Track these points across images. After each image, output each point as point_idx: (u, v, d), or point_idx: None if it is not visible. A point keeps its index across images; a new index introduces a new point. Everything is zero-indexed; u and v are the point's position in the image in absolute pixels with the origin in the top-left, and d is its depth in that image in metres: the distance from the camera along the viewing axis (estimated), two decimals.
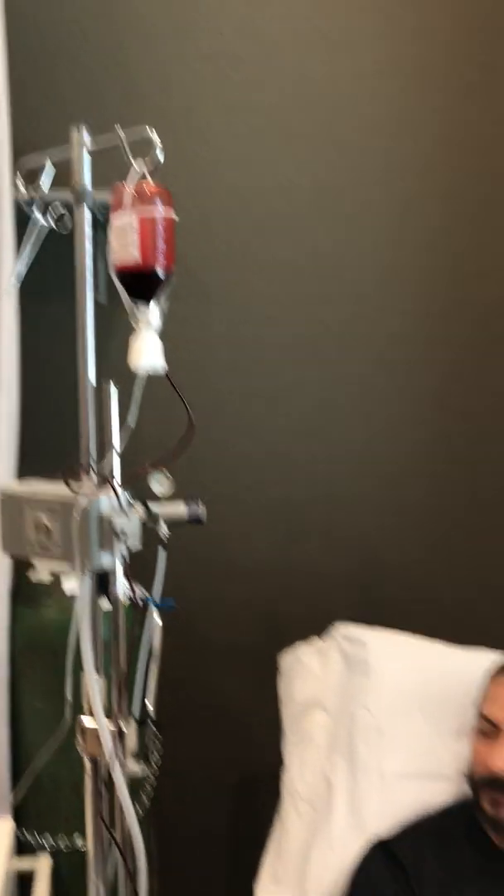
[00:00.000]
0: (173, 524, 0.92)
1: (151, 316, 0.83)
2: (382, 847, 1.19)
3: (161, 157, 0.81)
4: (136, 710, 0.92)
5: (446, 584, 1.77)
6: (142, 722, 0.91)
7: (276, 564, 1.72)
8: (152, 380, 0.84)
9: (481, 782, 1.16)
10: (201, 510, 0.93)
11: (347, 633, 1.43)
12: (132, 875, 0.88)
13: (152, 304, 0.83)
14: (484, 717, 1.18)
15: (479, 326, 1.74)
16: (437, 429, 1.75)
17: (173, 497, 0.91)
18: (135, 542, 0.84)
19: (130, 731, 0.90)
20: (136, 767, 0.90)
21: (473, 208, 1.72)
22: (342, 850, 1.24)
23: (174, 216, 0.83)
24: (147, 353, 0.83)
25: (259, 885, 1.35)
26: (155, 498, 0.90)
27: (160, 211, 0.82)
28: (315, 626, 1.53)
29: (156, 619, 0.93)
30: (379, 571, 1.75)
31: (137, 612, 0.92)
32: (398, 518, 1.75)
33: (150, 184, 0.82)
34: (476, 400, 1.75)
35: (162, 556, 0.92)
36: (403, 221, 1.70)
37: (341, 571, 1.74)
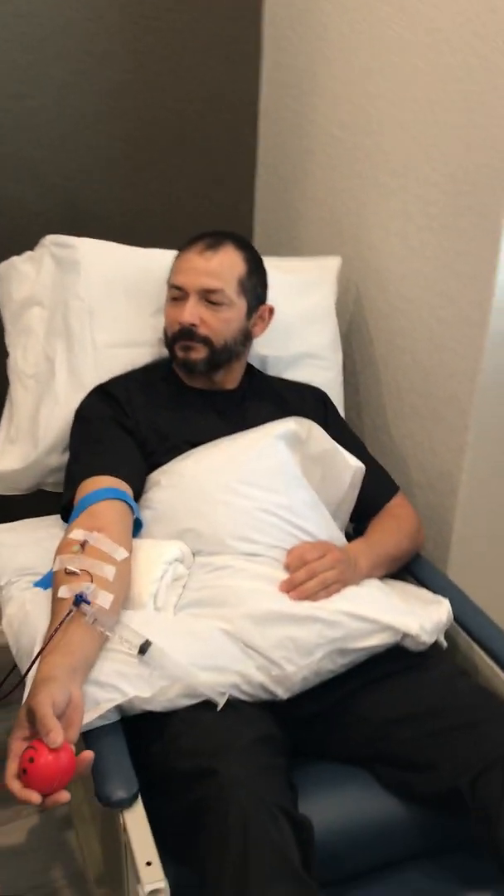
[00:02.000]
0: None
1: None
2: (99, 389, 1.50)
3: None
4: None
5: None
6: None
7: None
8: None
9: (174, 337, 1.48)
10: None
11: (57, 240, 1.62)
12: None
13: None
14: (173, 286, 1.48)
15: None
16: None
17: None
18: None
19: None
20: None
21: None
22: (66, 403, 1.53)
23: None
24: None
25: None
26: None
27: None
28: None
29: None
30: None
31: None
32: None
33: None
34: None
35: None
36: None
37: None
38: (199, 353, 1.46)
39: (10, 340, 1.65)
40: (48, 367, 1.58)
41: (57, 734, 0.92)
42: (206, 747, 1.06)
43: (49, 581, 1.21)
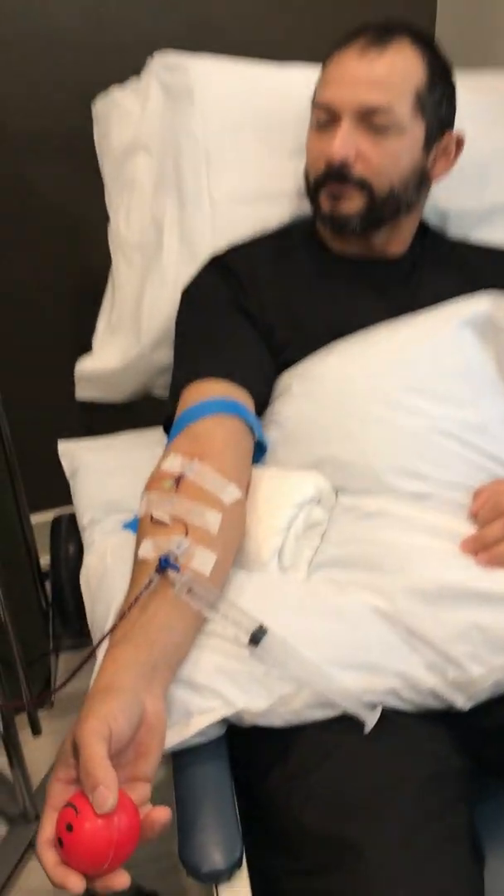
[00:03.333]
0: None
1: None
2: (214, 262, 1.12)
3: None
4: None
5: None
6: None
7: None
8: None
9: (318, 181, 1.05)
10: None
11: (167, 62, 1.21)
12: None
13: None
14: (320, 107, 1.04)
15: None
16: None
17: None
18: None
19: None
20: None
21: None
22: (176, 281, 1.16)
23: None
24: None
25: (95, 339, 1.29)
26: None
27: None
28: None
29: None
30: None
31: None
32: None
33: None
34: None
35: None
36: None
37: None
38: (354, 204, 1.03)
39: (110, 200, 1.28)
40: (156, 234, 1.20)
41: (107, 792, 0.59)
42: (347, 797, 0.71)
43: None
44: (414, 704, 0.79)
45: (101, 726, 0.63)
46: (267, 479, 0.92)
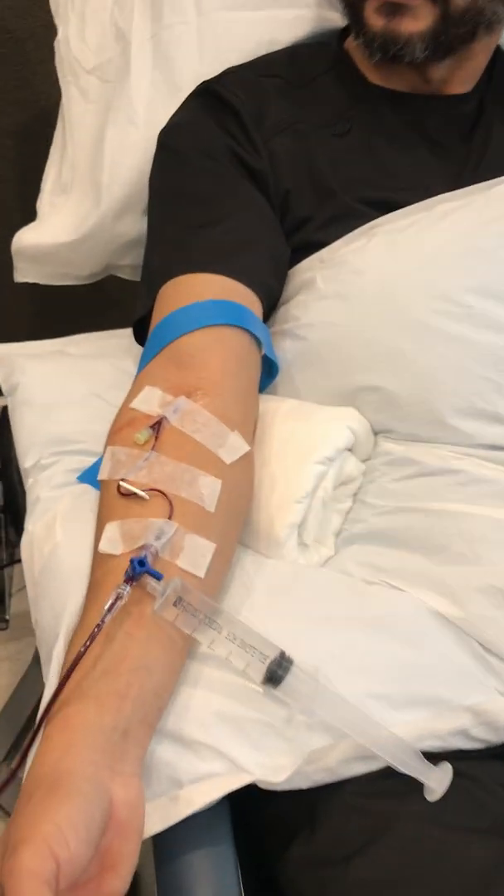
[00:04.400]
0: None
1: None
2: (204, 93, 0.79)
3: None
4: None
5: None
6: None
7: None
8: None
9: None
10: None
11: None
12: None
13: None
14: None
15: None
16: None
17: None
18: None
19: None
20: None
21: None
22: (146, 122, 0.84)
23: None
24: None
25: (41, 202, 0.96)
26: None
27: None
28: None
29: None
30: None
31: None
32: None
33: None
34: None
35: None
36: None
37: None
38: (420, 21, 0.70)
39: (56, 4, 0.93)
40: (121, 54, 0.87)
41: None
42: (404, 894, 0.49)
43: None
44: (484, 741, 0.57)
45: (42, 863, 0.39)
46: (282, 419, 0.65)
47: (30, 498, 0.70)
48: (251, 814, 0.56)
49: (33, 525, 0.66)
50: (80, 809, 0.42)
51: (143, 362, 0.64)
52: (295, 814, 0.55)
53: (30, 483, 0.72)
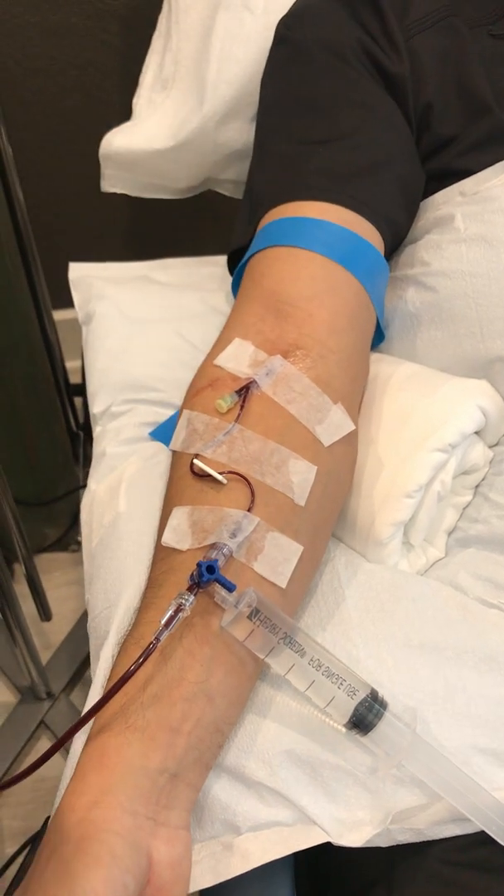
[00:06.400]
0: None
1: None
2: None
3: None
4: None
5: None
6: None
7: None
8: None
9: None
10: None
11: None
12: None
13: None
14: None
15: None
16: None
17: None
18: None
19: None
20: None
21: None
22: (265, 8, 0.70)
23: None
24: None
25: (137, 100, 0.84)
26: None
27: None
28: None
29: None
30: None
31: None
32: None
33: None
34: None
35: None
36: None
37: None
38: None
39: None
40: None
41: None
42: None
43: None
44: None
45: None
46: (396, 387, 0.54)
47: (96, 450, 0.61)
48: (317, 854, 0.48)
49: (97, 484, 0.57)
50: (110, 879, 0.34)
51: (234, 290, 0.53)
52: (370, 865, 0.46)
53: (97, 431, 0.63)
